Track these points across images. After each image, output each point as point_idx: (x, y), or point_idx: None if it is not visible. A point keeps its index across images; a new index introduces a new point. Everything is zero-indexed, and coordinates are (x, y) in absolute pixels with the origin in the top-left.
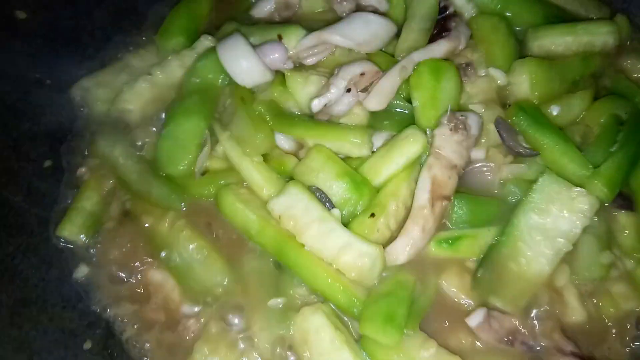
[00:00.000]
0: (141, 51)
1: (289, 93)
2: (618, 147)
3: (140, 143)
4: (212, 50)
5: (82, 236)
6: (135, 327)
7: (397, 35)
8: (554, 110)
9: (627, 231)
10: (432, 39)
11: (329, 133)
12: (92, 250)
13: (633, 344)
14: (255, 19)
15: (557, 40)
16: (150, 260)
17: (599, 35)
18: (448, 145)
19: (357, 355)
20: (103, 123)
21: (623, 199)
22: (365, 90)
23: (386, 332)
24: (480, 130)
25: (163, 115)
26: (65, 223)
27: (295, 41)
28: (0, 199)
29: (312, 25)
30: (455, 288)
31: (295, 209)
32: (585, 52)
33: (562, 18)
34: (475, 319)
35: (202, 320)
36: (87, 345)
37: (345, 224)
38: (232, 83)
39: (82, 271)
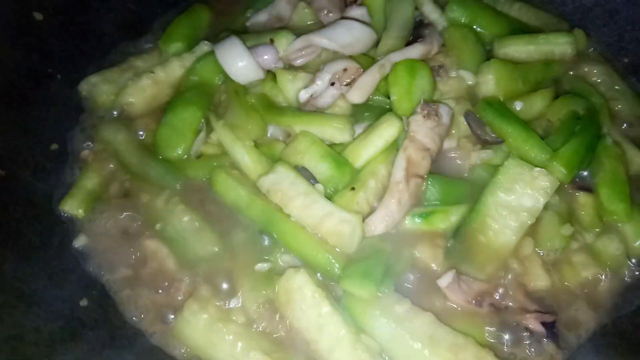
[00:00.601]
0: (145, 55)
1: (279, 89)
2: (575, 135)
3: (141, 132)
4: (210, 53)
5: (81, 210)
6: (128, 289)
7: (377, 43)
8: (517, 106)
9: (586, 209)
10: (408, 44)
11: (314, 120)
12: (91, 223)
13: (596, 306)
14: (250, 30)
15: (521, 49)
16: (145, 231)
17: (558, 45)
18: (421, 130)
19: (337, 310)
20: (107, 114)
21: (583, 183)
22: (348, 85)
23: (363, 285)
24: (450, 120)
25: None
26: (67, 198)
27: (286, 44)
28: (9, 173)
29: (301, 33)
30: (428, 258)
31: (282, 184)
32: (547, 60)
33: (525, 31)
34: (445, 280)
35: (193, 282)
36: (84, 302)
37: (328, 199)
38: (228, 80)
39: (81, 240)
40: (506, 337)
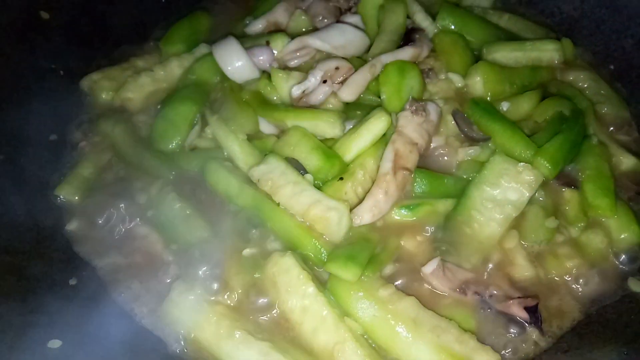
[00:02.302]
0: (146, 56)
1: (273, 87)
2: (560, 133)
3: (138, 127)
4: (209, 54)
5: (76, 197)
6: (118, 272)
7: (369, 48)
8: (504, 106)
9: (571, 205)
10: (399, 47)
11: (305, 115)
12: (84, 208)
13: (581, 296)
14: (248, 35)
15: (508, 54)
16: (137, 218)
17: (545, 52)
18: (410, 125)
19: (322, 291)
20: (107, 108)
21: (568, 179)
22: (340, 83)
23: (347, 268)
24: (438, 117)
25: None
26: (63, 184)
27: (281, 46)
28: (7, 157)
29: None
30: (413, 247)
31: (272, 173)
32: (533, 65)
33: (514, 40)
34: (429, 267)
35: (181, 266)
36: (73, 281)
37: (317, 189)
38: (224, 79)
39: (74, 224)
40: (490, 324)
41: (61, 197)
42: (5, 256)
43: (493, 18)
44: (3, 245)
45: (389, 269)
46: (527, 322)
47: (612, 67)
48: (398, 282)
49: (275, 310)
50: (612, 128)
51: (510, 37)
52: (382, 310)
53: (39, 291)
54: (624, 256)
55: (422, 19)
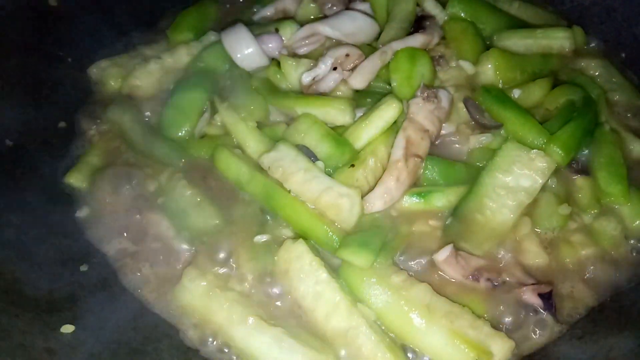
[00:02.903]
0: (154, 44)
1: (283, 75)
2: (572, 120)
3: (147, 113)
4: (217, 42)
5: (85, 184)
6: (129, 259)
7: (379, 35)
8: (516, 94)
9: (583, 192)
10: (409, 35)
11: (315, 102)
12: (94, 195)
13: (594, 283)
14: (256, 23)
15: (519, 42)
16: (147, 205)
17: (556, 39)
18: (421, 112)
19: (334, 277)
20: (115, 96)
21: (581, 167)
22: (350, 70)
23: (360, 254)
24: (449, 104)
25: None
26: (73, 172)
27: (290, 33)
28: (17, 144)
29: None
30: (426, 235)
31: (283, 161)
32: (544, 53)
33: (524, 28)
34: (442, 254)
35: (192, 252)
36: (84, 268)
37: (328, 176)
38: (233, 67)
39: (84, 211)
40: (504, 311)
41: (71, 184)
42: (17, 242)
43: (504, 6)
44: (14, 232)
45: (401, 256)
46: (541, 309)
47: (623, 55)
48: (410, 269)
49: (288, 297)
50: (624, 115)
51: (521, 25)
52: (395, 296)
53: (51, 277)
54: (637, 243)
55: (432, 7)
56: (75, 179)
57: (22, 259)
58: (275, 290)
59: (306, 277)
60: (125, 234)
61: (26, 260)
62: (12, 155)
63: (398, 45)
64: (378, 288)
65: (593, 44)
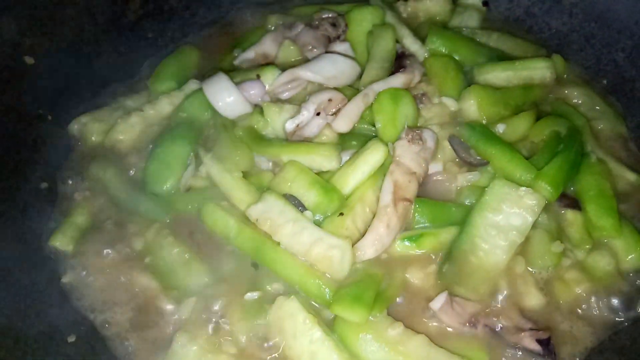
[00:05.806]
0: (135, 95)
1: (266, 122)
2: (558, 154)
3: (130, 169)
4: (199, 91)
5: (71, 246)
6: (118, 325)
7: (361, 75)
8: (500, 129)
9: (575, 226)
10: (391, 74)
11: (301, 149)
12: (80, 258)
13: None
14: (237, 68)
15: (500, 75)
16: (134, 266)
17: (536, 70)
18: (407, 154)
19: (329, 335)
20: (97, 151)
21: (570, 200)
22: (334, 115)
23: (354, 310)
24: (435, 144)
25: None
26: (57, 234)
27: (272, 79)
28: None
29: (287, 69)
30: (420, 281)
31: (271, 212)
32: (526, 84)
33: (505, 59)
34: (437, 302)
35: (182, 315)
36: (72, 338)
37: (317, 225)
38: (216, 115)
39: (69, 276)
40: (503, 357)
41: (55, 247)
42: (2, 318)
43: (482, 38)
44: None
45: (395, 304)
46: (540, 355)
47: (605, 81)
48: (405, 317)
49: (282, 356)
50: (609, 144)
51: (501, 56)
52: (393, 352)
53: (38, 353)
54: (633, 278)
55: (411, 43)
56: (61, 242)
57: (6, 337)
58: (269, 349)
59: (300, 335)
60: (112, 299)
61: (10, 338)
62: None
63: (380, 86)
64: (374, 344)
65: (574, 72)
